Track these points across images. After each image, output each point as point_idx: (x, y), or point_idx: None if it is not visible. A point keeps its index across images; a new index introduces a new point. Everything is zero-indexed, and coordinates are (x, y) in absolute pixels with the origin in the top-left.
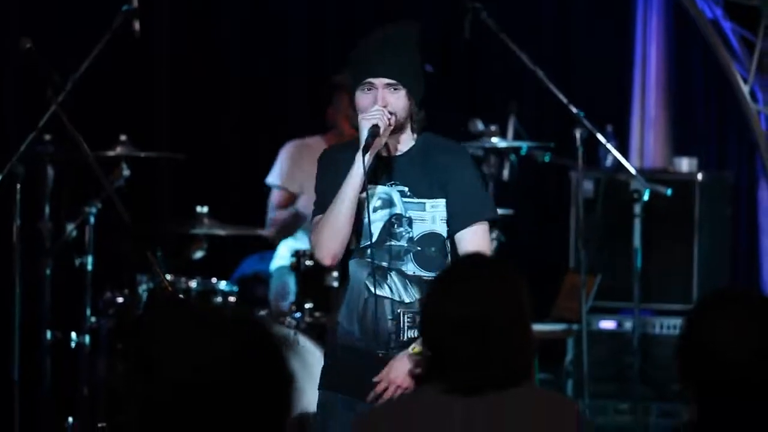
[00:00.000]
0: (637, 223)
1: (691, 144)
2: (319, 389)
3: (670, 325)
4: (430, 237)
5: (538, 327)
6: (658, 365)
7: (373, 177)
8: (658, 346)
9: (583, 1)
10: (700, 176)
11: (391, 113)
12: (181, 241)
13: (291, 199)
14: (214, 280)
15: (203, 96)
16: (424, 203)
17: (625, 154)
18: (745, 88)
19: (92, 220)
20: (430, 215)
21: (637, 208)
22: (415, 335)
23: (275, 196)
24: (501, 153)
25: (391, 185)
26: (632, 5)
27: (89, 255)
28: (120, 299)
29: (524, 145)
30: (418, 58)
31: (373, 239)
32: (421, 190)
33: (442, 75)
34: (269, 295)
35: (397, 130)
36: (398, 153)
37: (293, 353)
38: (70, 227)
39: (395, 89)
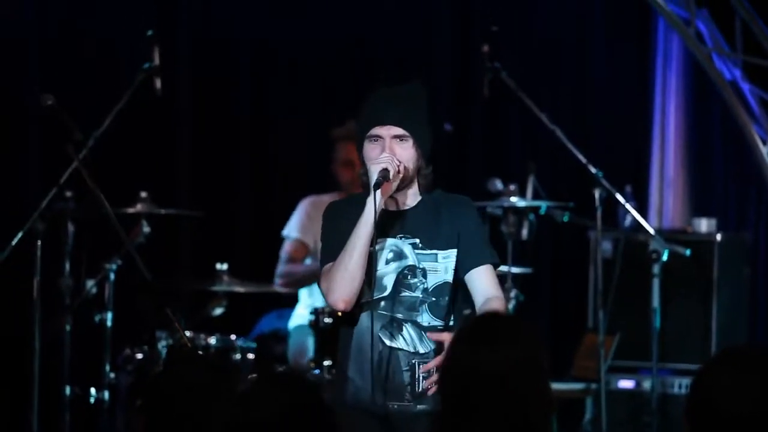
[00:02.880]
0: (656, 283)
1: (710, 204)
2: None
3: (688, 385)
4: (443, 287)
5: (556, 386)
6: (676, 425)
7: (382, 231)
8: (677, 406)
9: (603, 60)
10: (719, 237)
11: (399, 163)
12: (201, 298)
13: (304, 251)
14: (233, 336)
15: (223, 154)
16: (437, 254)
17: (644, 214)
18: (764, 149)
19: (112, 276)
20: (443, 266)
21: (656, 268)
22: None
23: (288, 247)
24: (520, 212)
25: (401, 238)
26: (651, 66)
27: (109, 311)
28: (139, 355)
29: (543, 205)
30: (426, 112)
31: (387, 291)
32: (433, 242)
33: (460, 134)
34: (288, 354)
35: (405, 185)
36: (406, 207)
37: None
38: (90, 284)
39: (402, 140)
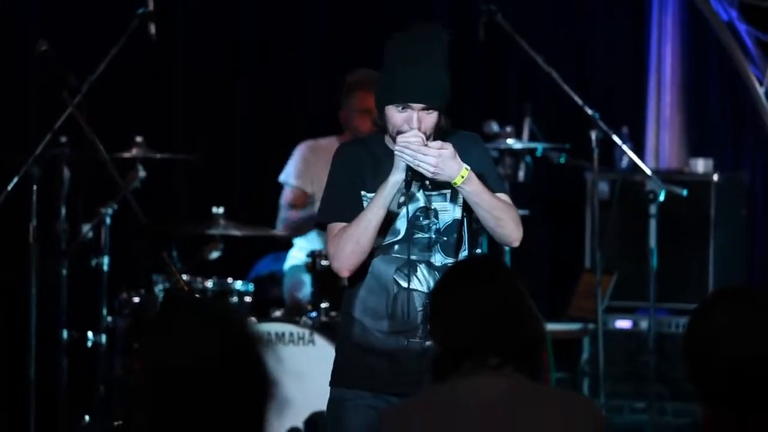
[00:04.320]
0: (653, 224)
1: (707, 145)
2: (331, 386)
3: (685, 325)
4: (453, 225)
5: (554, 327)
6: (673, 364)
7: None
8: (674, 345)
9: (598, 2)
10: (715, 177)
11: (424, 133)
12: (197, 242)
13: (304, 198)
14: (230, 280)
15: (218, 97)
16: (446, 194)
17: (641, 155)
18: (761, 90)
19: (108, 221)
20: (452, 204)
21: (653, 209)
22: None
23: (288, 194)
24: (516, 154)
25: (415, 183)
26: (647, 7)
27: (105, 256)
28: (136, 299)
29: (540, 147)
30: (448, 70)
31: (401, 235)
32: (444, 183)
33: (457, 77)
34: (283, 292)
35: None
36: None
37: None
38: (86, 228)
39: (429, 112)
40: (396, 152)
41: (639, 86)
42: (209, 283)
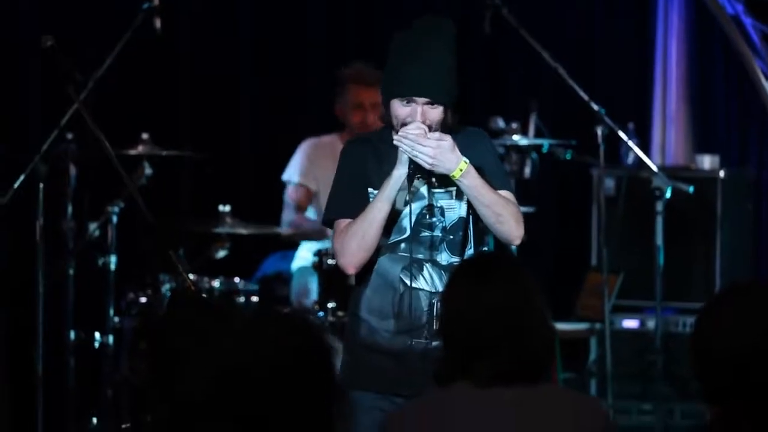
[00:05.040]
0: (659, 221)
1: (713, 141)
2: None
3: (692, 324)
4: (459, 223)
5: (560, 326)
6: (681, 364)
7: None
8: (681, 345)
9: None
10: (722, 173)
11: (428, 126)
12: (204, 241)
13: (309, 195)
14: (236, 279)
15: (224, 94)
16: (452, 191)
17: (647, 151)
18: (767, 84)
19: (115, 219)
20: (458, 202)
21: (659, 206)
22: None
23: (292, 192)
24: (522, 151)
25: (418, 178)
26: (653, 2)
27: (112, 254)
28: (143, 299)
29: (545, 143)
30: (455, 65)
31: (407, 233)
32: (448, 179)
33: (462, 72)
34: (291, 295)
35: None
36: None
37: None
38: (93, 226)
39: (434, 106)
40: (395, 141)
41: (645, 82)
42: (216, 283)
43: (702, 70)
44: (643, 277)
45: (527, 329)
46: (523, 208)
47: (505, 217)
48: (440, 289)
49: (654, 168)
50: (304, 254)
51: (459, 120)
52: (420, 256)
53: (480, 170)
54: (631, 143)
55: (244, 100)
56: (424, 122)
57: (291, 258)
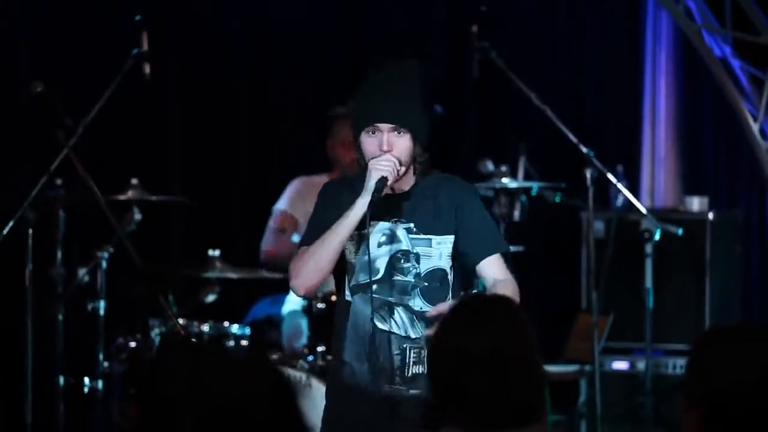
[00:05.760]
0: (649, 263)
1: (702, 183)
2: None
3: (682, 366)
4: (436, 273)
5: (550, 368)
6: (671, 405)
7: (376, 214)
8: (672, 387)
9: (593, 39)
10: (711, 215)
11: (397, 159)
12: (193, 285)
13: (293, 224)
14: (226, 323)
15: (214, 139)
16: (431, 239)
17: (636, 193)
18: (755, 126)
19: (104, 264)
20: (437, 251)
21: (649, 248)
22: (420, 371)
23: (276, 218)
24: (512, 193)
25: (396, 222)
26: (641, 43)
27: (101, 300)
28: (133, 344)
29: (535, 186)
30: (423, 98)
31: (380, 275)
32: (429, 227)
33: (451, 115)
34: (282, 338)
35: (403, 173)
36: (401, 191)
37: (303, 397)
38: (82, 272)
39: (400, 133)
40: (369, 172)
41: (633, 123)
42: (206, 327)
43: (690, 112)
44: (632, 318)
45: (518, 375)
46: (513, 248)
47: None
48: (412, 334)
49: (643, 210)
50: (295, 298)
51: (435, 163)
52: (391, 299)
53: (467, 234)
54: (620, 185)
55: (233, 144)
56: (390, 151)
57: (281, 302)
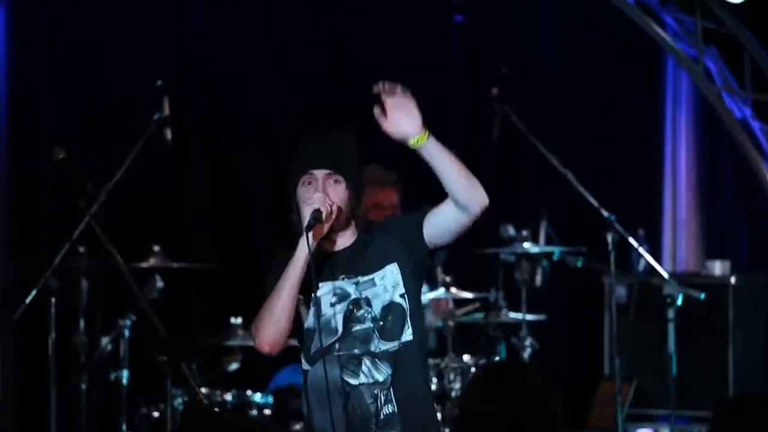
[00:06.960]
0: (671, 328)
1: (724, 246)
2: None
3: None
4: (390, 307)
5: None
6: None
7: (327, 274)
8: None
9: (613, 101)
10: (733, 279)
11: (332, 202)
12: (216, 353)
13: None
14: (249, 392)
15: (236, 205)
16: (373, 278)
17: (658, 257)
18: None
19: (127, 333)
20: (382, 285)
21: (671, 313)
22: (391, 410)
23: None
24: (533, 259)
25: (344, 279)
26: (661, 106)
27: (124, 369)
28: (156, 413)
29: (556, 251)
30: (357, 155)
31: (339, 333)
32: (366, 269)
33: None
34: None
35: (341, 226)
36: (344, 247)
37: None
38: (105, 341)
39: (335, 181)
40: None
41: (654, 187)
42: (228, 396)
43: (711, 175)
44: (655, 385)
45: None
46: (535, 316)
47: (474, 181)
48: (378, 378)
49: (665, 275)
50: None
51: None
52: (356, 351)
53: (401, 226)
54: (641, 250)
55: (254, 210)
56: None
57: None
